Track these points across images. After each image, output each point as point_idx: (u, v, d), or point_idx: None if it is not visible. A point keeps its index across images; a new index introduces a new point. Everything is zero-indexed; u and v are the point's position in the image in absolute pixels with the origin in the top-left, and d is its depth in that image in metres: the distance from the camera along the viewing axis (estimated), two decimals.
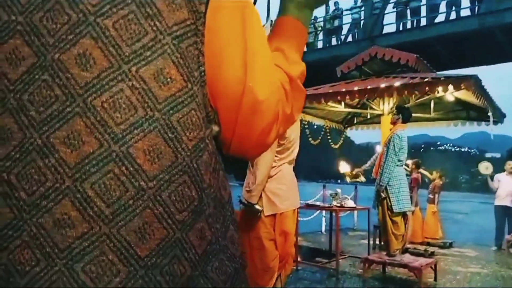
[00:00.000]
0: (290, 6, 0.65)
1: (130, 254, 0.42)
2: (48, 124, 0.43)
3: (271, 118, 0.52)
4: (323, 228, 7.95)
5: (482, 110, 6.38)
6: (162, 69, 0.44)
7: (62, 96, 0.43)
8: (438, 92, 5.17)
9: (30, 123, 0.43)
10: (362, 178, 5.53)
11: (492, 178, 7.29)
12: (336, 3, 15.59)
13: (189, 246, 0.45)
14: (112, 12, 0.43)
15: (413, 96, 5.81)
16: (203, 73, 0.47)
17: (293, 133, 2.75)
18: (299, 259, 4.95)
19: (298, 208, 5.14)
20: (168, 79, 0.44)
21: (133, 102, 0.43)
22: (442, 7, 12.83)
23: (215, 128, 0.51)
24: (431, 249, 6.04)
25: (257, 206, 2.56)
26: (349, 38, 15.33)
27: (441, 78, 5.15)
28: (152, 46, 0.44)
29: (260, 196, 2.59)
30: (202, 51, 0.47)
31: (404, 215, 4.36)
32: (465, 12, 12.50)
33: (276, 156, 2.65)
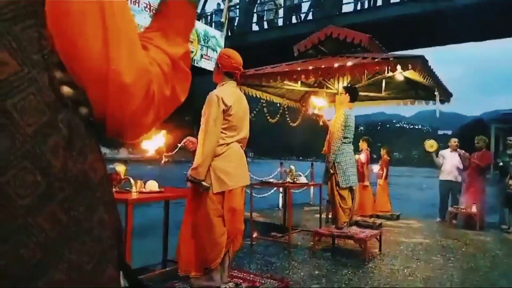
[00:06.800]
0: None
1: None
2: None
3: (141, 100, 0.52)
4: (280, 204, 8.17)
5: (430, 89, 6.69)
6: None
7: None
8: (387, 72, 5.36)
9: None
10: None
11: (437, 154, 7.70)
12: None
13: (37, 230, 0.44)
14: None
15: (364, 75, 5.99)
16: (46, 56, 0.46)
17: (240, 110, 2.78)
18: (255, 235, 5.08)
19: (253, 185, 5.23)
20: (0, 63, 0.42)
21: None
22: None
23: (83, 110, 0.51)
24: (378, 221, 6.39)
25: (204, 183, 2.59)
26: (309, 17, 15.39)
27: (390, 59, 5.33)
28: None
29: (208, 173, 2.62)
30: (43, 33, 0.46)
31: (351, 189, 4.57)
32: None
33: (223, 133, 2.67)
